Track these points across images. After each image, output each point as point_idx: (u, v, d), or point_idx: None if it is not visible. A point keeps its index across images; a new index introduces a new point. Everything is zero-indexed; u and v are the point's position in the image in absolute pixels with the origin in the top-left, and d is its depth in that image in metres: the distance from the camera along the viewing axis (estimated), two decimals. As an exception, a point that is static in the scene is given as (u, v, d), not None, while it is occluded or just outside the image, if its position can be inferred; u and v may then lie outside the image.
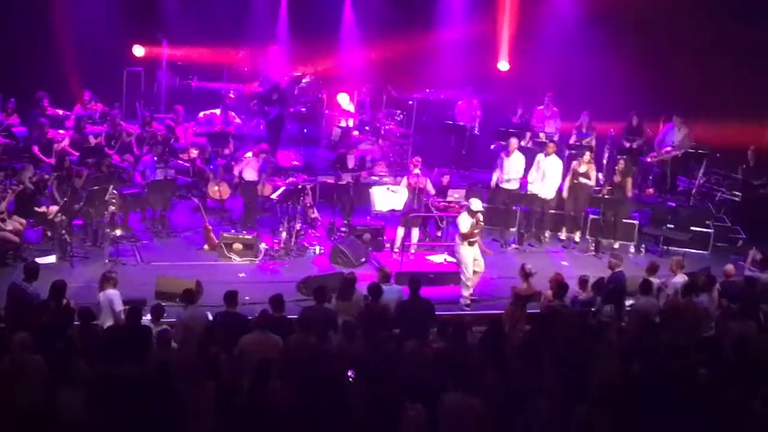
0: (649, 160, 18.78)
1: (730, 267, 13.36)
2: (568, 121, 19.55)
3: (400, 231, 15.22)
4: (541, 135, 18.89)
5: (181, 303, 10.84)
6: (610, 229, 16.52)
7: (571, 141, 18.92)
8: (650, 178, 18.89)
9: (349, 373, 9.00)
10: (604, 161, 17.92)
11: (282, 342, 9.49)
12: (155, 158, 15.97)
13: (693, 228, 16.91)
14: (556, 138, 18.89)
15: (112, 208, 14.30)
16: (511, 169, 16.32)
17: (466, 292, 13.45)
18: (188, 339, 9.82)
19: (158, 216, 15.79)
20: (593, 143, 18.62)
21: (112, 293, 10.76)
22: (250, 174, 15.84)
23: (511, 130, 18.61)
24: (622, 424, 8.29)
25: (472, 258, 13.38)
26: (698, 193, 18.06)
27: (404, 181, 15.44)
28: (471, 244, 13.36)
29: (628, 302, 12.37)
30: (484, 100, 20.67)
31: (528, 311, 11.63)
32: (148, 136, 17.51)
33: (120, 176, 15.90)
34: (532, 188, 16.51)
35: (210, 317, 10.92)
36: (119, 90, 20.05)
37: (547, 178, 16.39)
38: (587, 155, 16.64)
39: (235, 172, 16.06)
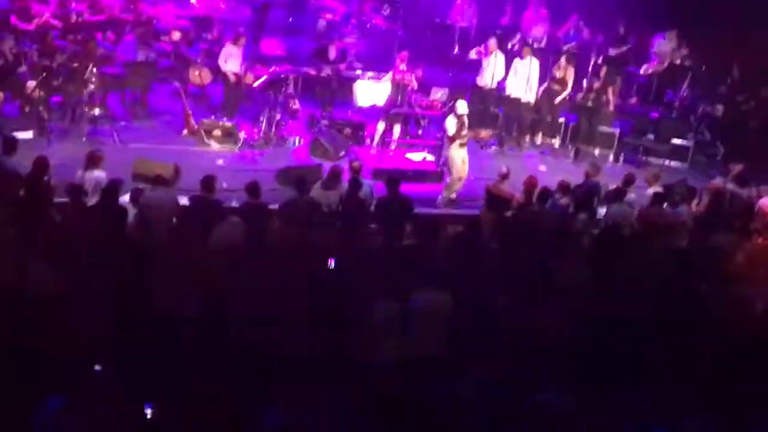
0: (641, 71, 18.65)
1: (718, 180, 13.43)
2: (558, 25, 19.32)
3: (381, 126, 15.16)
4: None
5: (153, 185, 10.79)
6: (586, 136, 16.59)
7: (560, 43, 18.78)
8: (634, 87, 18.82)
9: (330, 262, 9.09)
10: (590, 68, 17.85)
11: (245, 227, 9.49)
12: (136, 39, 15.71)
13: (673, 140, 16.97)
14: (543, 42, 18.74)
15: (91, 86, 14.10)
16: (489, 70, 16.22)
17: (446, 193, 13.50)
18: (155, 220, 9.81)
19: (138, 98, 15.62)
20: (579, 48, 18.50)
21: (101, 175, 10.65)
22: (232, 64, 15.60)
23: (497, 32, 18.41)
24: (584, 329, 8.42)
25: (460, 160, 13.39)
26: (681, 106, 18.04)
27: (389, 76, 15.30)
28: (461, 146, 13.35)
29: (602, 210, 12.47)
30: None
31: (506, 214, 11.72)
32: (131, 11, 17.19)
33: (102, 55, 15.62)
34: (510, 91, 16.44)
35: (181, 201, 10.90)
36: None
37: (524, 80, 16.29)
38: (563, 60, 16.59)
39: (221, 65, 15.75)
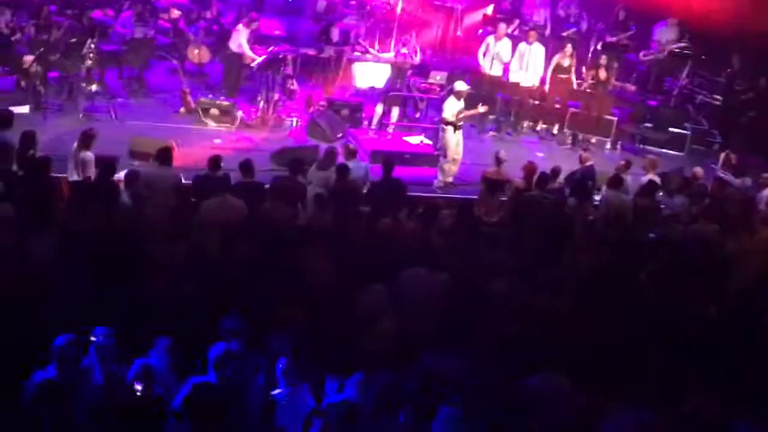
0: (640, 57, 18.61)
1: (698, 170, 13.45)
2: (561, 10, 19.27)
3: (379, 108, 15.14)
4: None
5: (155, 162, 10.76)
6: (591, 124, 16.56)
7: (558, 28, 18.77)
8: (634, 75, 18.78)
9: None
10: (589, 55, 17.84)
11: (245, 207, 9.49)
12: (135, 16, 15.66)
13: (671, 129, 16.96)
14: (548, 30, 18.68)
15: (89, 62, 14.06)
16: (497, 55, 16.21)
17: (441, 176, 13.49)
18: (154, 198, 9.79)
19: (135, 75, 15.59)
20: (579, 34, 18.47)
21: (89, 156, 10.62)
22: (242, 46, 15.48)
23: (499, 15, 18.37)
24: (583, 316, 8.43)
25: (454, 142, 13.38)
26: (680, 95, 18.02)
27: (390, 56, 15.27)
28: (456, 129, 13.35)
29: (597, 196, 12.49)
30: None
31: (502, 198, 11.74)
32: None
33: (99, 31, 15.56)
34: (513, 77, 16.43)
35: (182, 179, 10.87)
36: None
37: (529, 66, 16.28)
38: (569, 48, 16.56)
39: (233, 47, 15.59)
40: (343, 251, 8.90)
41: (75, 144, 10.67)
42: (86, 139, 10.60)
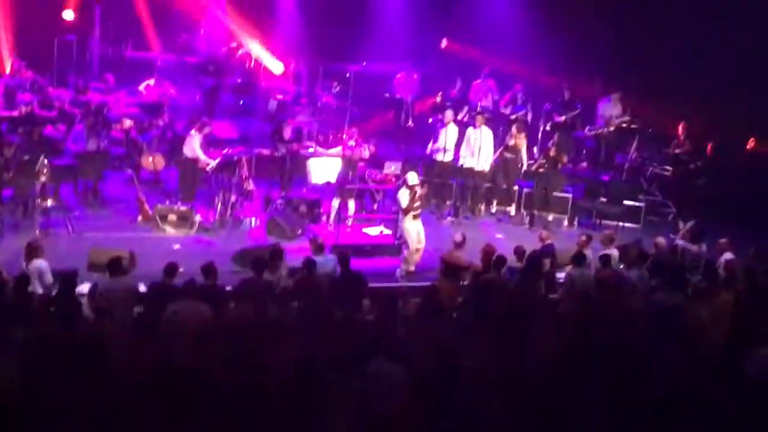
0: (585, 132, 18.96)
1: (660, 240, 13.60)
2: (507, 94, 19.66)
3: (335, 202, 15.22)
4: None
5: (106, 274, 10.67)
6: (540, 202, 16.77)
7: (505, 112, 19.08)
8: (584, 152, 19.11)
9: None
10: (539, 135, 18.16)
11: (209, 310, 9.42)
12: (87, 129, 15.72)
13: (625, 202, 17.19)
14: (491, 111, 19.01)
15: (42, 178, 14.01)
16: (445, 141, 16.46)
17: (404, 266, 13.52)
18: (112, 309, 9.71)
19: (91, 187, 15.57)
20: (527, 116, 18.82)
21: (42, 263, 10.58)
22: (196, 151, 15.55)
23: (448, 103, 18.70)
24: (556, 399, 8.39)
25: (415, 232, 13.48)
26: (631, 168, 18.34)
27: (337, 150, 15.45)
28: (414, 218, 13.46)
29: (560, 274, 12.57)
30: (423, 74, 20.71)
31: (462, 283, 11.76)
32: (81, 102, 17.25)
33: (51, 146, 15.58)
34: (464, 162, 16.64)
35: (140, 287, 10.80)
36: (50, 59, 19.55)
37: (478, 150, 16.51)
38: (514, 129, 16.91)
39: (187, 152, 15.61)
40: (307, 345, 8.84)
41: (23, 260, 10.65)
42: (31, 251, 10.68)
